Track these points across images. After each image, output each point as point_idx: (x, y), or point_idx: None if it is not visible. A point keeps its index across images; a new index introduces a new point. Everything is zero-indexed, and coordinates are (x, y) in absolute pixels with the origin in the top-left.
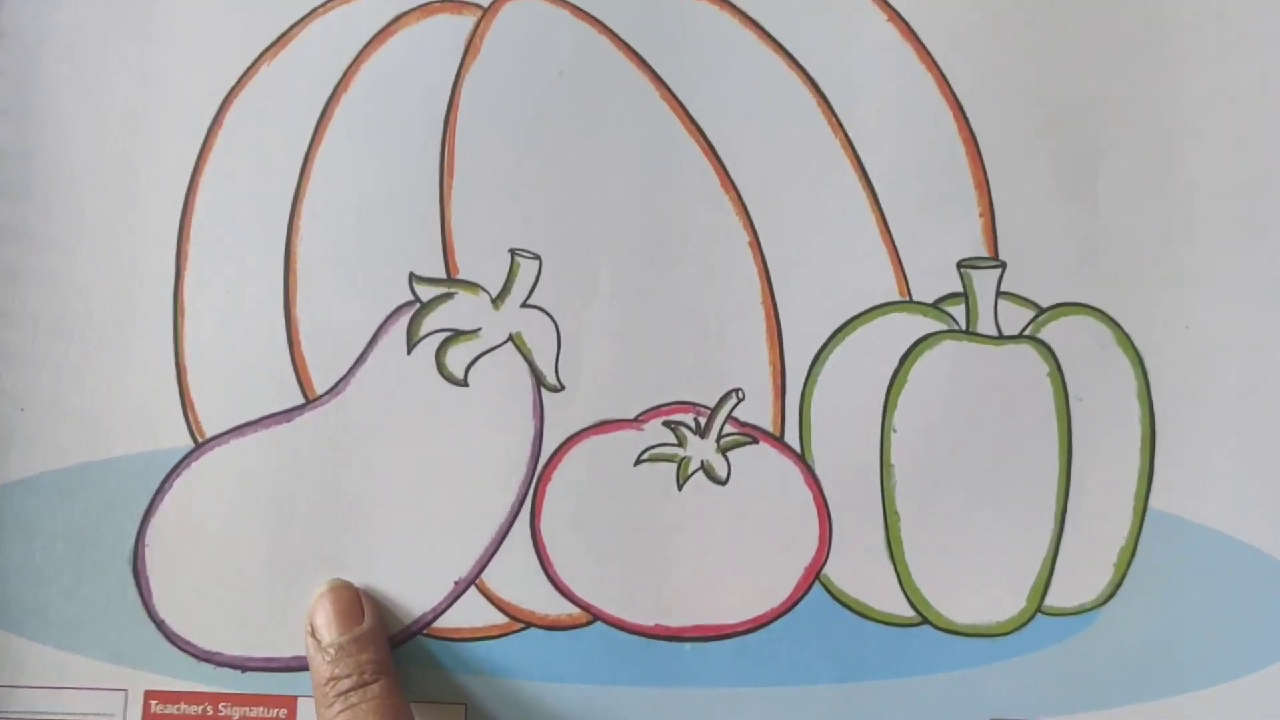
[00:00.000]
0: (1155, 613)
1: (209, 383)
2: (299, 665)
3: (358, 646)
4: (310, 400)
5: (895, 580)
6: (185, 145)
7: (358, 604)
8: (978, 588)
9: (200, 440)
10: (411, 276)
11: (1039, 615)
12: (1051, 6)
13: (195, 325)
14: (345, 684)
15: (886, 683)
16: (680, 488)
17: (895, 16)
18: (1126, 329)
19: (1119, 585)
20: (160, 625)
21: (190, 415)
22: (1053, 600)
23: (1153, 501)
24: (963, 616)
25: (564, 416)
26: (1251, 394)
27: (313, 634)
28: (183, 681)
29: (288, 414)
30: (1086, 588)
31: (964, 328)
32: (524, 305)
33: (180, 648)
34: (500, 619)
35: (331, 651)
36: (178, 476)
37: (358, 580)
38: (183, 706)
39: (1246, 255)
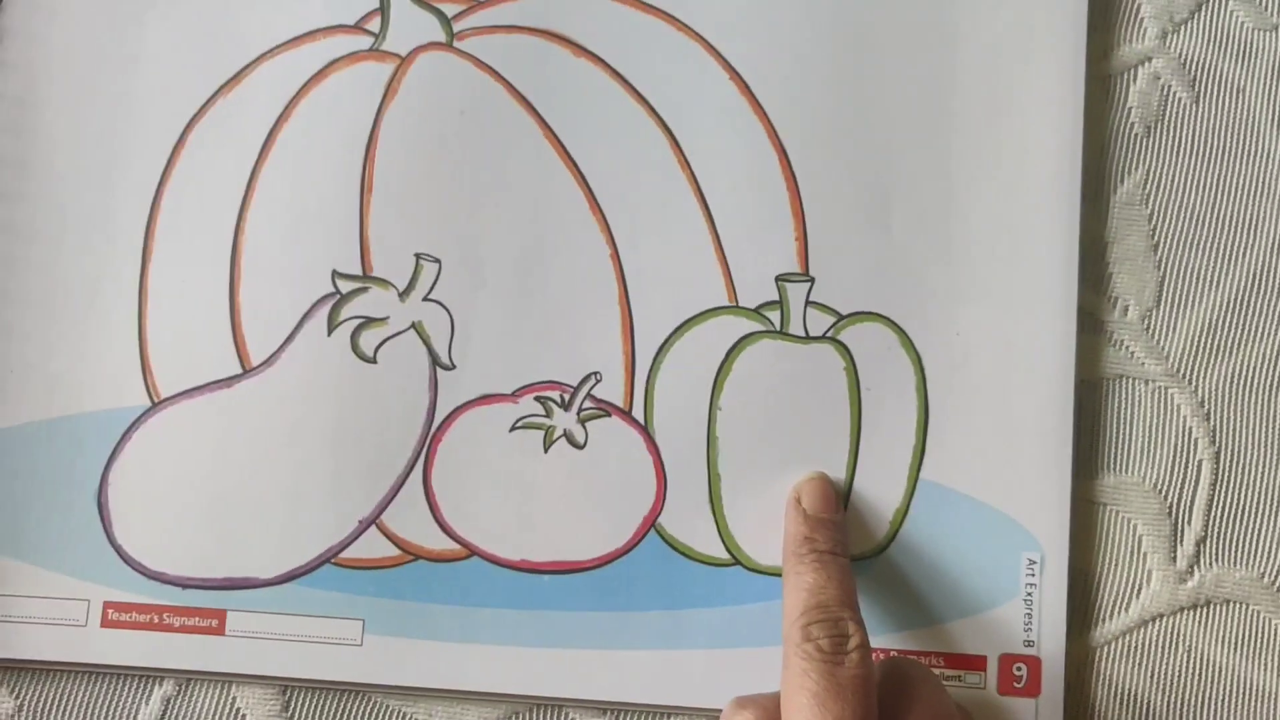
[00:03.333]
0: (920, 562)
1: (165, 353)
2: (229, 585)
3: (835, 526)
4: (247, 370)
5: (715, 529)
6: (153, 160)
7: (835, 497)
8: (779, 537)
9: (156, 400)
10: (334, 273)
11: None
12: (859, 74)
13: (156, 306)
14: (822, 545)
15: (705, 610)
16: (546, 450)
17: (735, 75)
18: (909, 334)
19: (893, 539)
20: (118, 550)
21: (148, 379)
22: None
23: (923, 473)
24: (766, 560)
25: (454, 390)
26: (1005, 389)
27: (798, 503)
28: (135, 595)
29: (228, 381)
30: (867, 541)
31: (778, 329)
32: (425, 299)
33: (134, 568)
34: (395, 552)
35: (813, 521)
36: (136, 429)
37: (277, 518)
38: (134, 615)
39: (1006, 279)
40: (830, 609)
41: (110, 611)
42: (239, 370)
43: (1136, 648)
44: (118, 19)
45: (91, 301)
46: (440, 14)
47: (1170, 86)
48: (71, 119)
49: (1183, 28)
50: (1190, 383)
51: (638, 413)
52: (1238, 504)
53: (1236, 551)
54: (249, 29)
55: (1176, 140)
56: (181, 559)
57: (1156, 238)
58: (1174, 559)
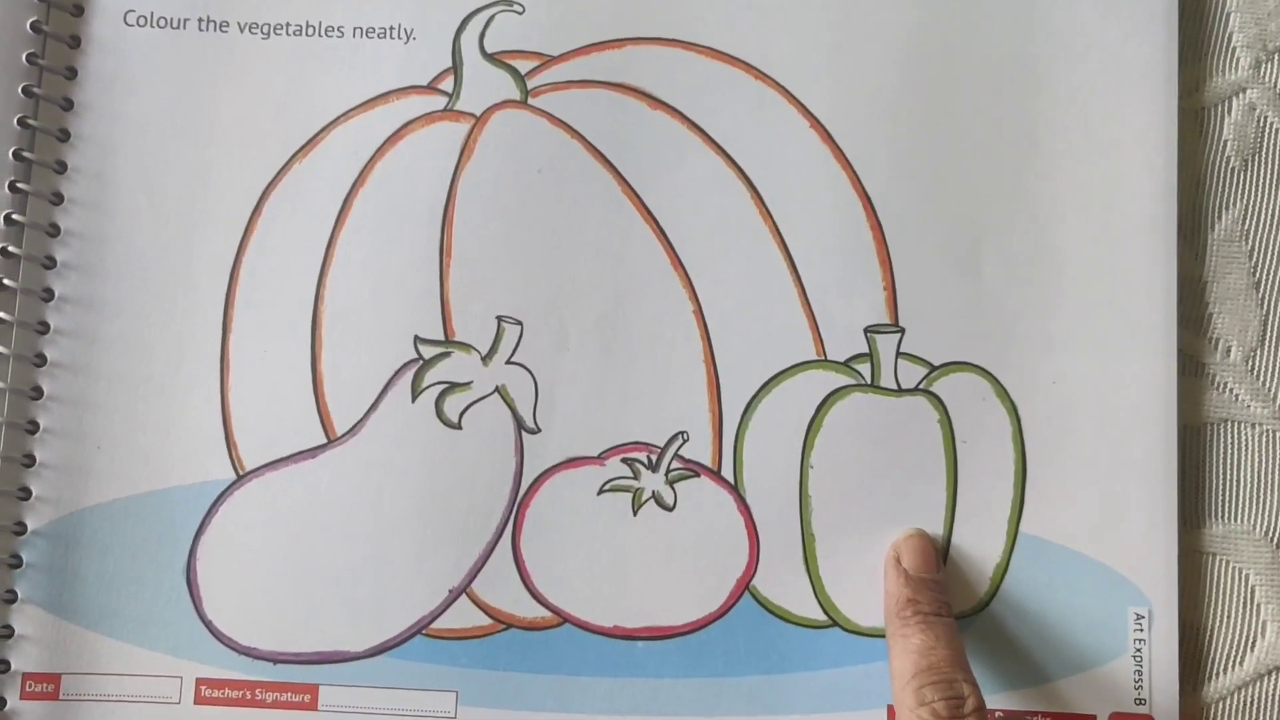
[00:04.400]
0: (1023, 618)
1: (249, 425)
2: (320, 659)
3: (938, 586)
4: (332, 440)
5: (811, 590)
6: (231, 230)
7: (935, 555)
8: (878, 596)
9: (241, 473)
10: (416, 338)
11: None
12: (944, 117)
13: (238, 377)
14: (926, 607)
15: (802, 675)
16: (635, 513)
17: (816, 124)
18: (1004, 383)
19: (994, 595)
20: (209, 625)
21: (233, 452)
22: None
23: (1023, 527)
24: (865, 620)
25: (540, 454)
26: (1104, 439)
27: (898, 563)
28: (226, 670)
29: (313, 451)
30: (968, 598)
31: (869, 382)
32: (508, 362)
33: (224, 643)
34: (486, 621)
35: (915, 582)
36: (223, 503)
37: (366, 589)
38: (226, 691)
39: (1102, 323)
40: (943, 670)
41: (203, 688)
42: (323, 440)
43: (1253, 703)
44: (191, 90)
45: (174, 375)
46: (514, 71)
47: (1266, 117)
48: (149, 191)
49: (1277, 55)
50: None
51: (727, 472)
52: None
53: None
54: (322, 93)
55: (1275, 172)
56: (272, 633)
57: (1258, 275)
58: None
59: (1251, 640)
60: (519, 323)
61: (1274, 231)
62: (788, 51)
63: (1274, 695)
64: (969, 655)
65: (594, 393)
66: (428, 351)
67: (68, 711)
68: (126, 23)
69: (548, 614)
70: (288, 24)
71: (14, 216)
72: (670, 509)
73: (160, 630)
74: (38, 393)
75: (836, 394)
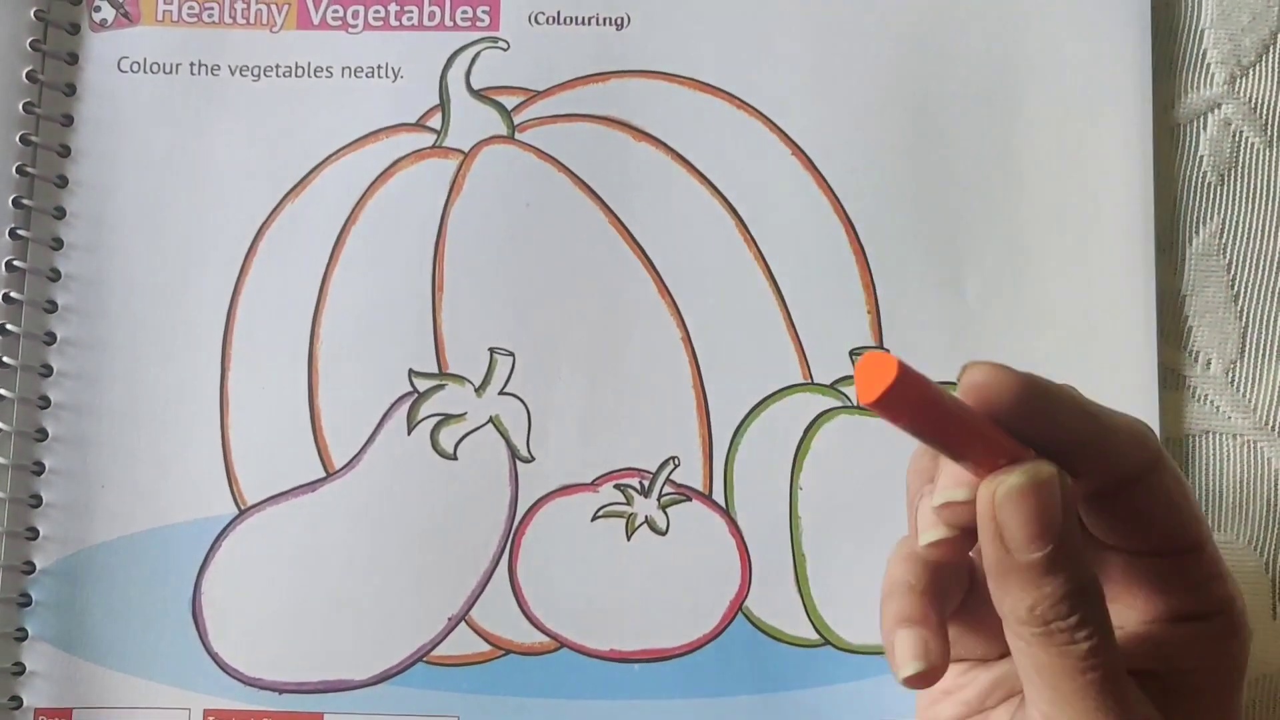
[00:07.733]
0: None
1: (249, 461)
2: (325, 688)
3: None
4: (330, 474)
5: (803, 610)
6: (227, 269)
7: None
8: (869, 615)
9: (243, 508)
10: (410, 372)
11: None
12: (922, 141)
13: (237, 414)
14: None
15: (796, 693)
16: (629, 538)
17: (798, 151)
18: None
19: None
20: (215, 657)
21: (234, 487)
22: None
23: None
24: (857, 638)
25: (534, 482)
26: None
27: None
28: (233, 702)
29: (312, 485)
30: None
31: (856, 404)
32: (501, 393)
33: (231, 675)
34: (485, 647)
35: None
36: (225, 538)
37: (368, 619)
38: None
39: (1083, 338)
40: None
41: (210, 719)
42: (322, 474)
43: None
44: (185, 134)
45: (175, 413)
46: (500, 107)
47: (1242, 132)
48: (146, 234)
49: (1251, 70)
50: None
51: (718, 496)
52: None
53: None
54: (313, 133)
55: (1251, 187)
56: (277, 664)
57: (1236, 288)
58: (1274, 616)
59: None
60: (511, 354)
61: (1251, 244)
62: (768, 81)
63: (1261, 700)
64: None
65: (586, 420)
66: (422, 384)
67: None
68: (120, 69)
69: (545, 639)
70: (277, 66)
71: (15, 263)
72: (663, 533)
73: (168, 663)
74: (43, 434)
75: (824, 416)
